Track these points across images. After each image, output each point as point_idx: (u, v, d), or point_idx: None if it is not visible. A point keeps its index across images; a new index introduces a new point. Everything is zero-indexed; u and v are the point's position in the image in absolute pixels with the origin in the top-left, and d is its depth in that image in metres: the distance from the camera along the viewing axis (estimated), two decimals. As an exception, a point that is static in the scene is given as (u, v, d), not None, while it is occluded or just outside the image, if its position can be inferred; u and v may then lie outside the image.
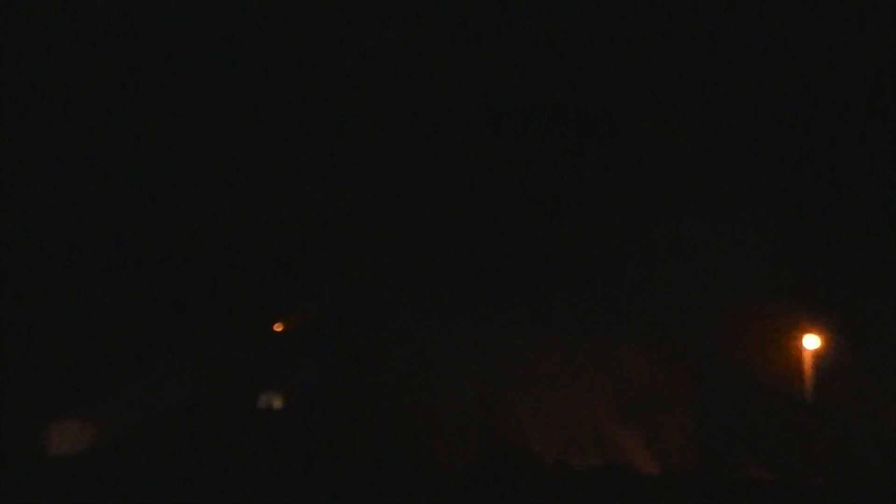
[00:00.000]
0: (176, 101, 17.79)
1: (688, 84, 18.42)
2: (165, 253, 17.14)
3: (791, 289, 17.68)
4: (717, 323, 17.71)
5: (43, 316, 16.20)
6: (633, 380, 17.92)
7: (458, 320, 18.11)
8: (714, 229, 18.17)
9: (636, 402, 17.83)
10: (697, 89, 18.40)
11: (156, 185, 17.62)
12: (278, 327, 17.57)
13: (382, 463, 16.23)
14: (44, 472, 12.38)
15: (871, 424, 16.84)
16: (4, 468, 12.30)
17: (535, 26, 18.33)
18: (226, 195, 17.84)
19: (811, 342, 17.75)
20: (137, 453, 15.15)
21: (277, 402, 16.61)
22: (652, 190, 18.68)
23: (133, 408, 15.82)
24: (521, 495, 13.16)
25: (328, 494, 12.64)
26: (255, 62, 18.08)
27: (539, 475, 15.25)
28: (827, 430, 17.18)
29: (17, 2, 17.17)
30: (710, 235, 18.07)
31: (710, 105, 18.38)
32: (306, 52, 18.16)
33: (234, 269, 17.48)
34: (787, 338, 17.78)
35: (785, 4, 18.15)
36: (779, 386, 17.67)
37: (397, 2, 18.17)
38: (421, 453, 17.28)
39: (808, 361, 17.73)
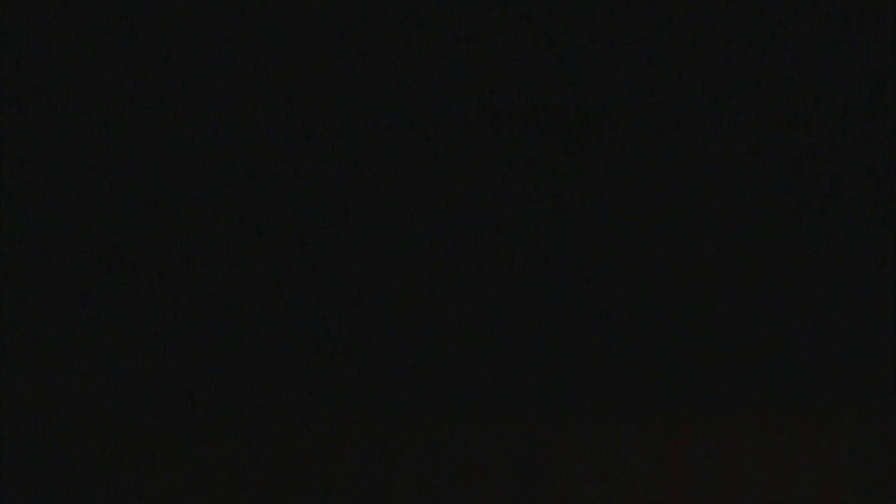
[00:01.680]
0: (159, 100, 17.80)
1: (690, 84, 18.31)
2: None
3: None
4: None
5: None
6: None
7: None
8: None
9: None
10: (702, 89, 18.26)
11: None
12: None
13: None
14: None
15: None
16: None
17: (534, 26, 18.82)
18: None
19: None
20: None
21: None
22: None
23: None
24: None
25: None
26: (252, 61, 18.37)
27: None
28: None
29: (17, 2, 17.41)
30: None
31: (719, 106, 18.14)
32: (304, 51, 18.43)
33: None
34: None
35: (785, 4, 18.59)
36: None
37: (397, 1, 18.78)
38: None
39: None
